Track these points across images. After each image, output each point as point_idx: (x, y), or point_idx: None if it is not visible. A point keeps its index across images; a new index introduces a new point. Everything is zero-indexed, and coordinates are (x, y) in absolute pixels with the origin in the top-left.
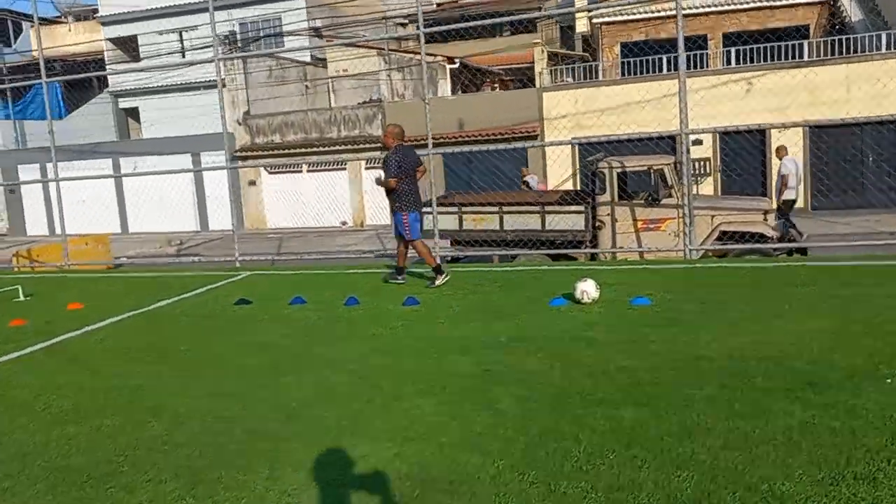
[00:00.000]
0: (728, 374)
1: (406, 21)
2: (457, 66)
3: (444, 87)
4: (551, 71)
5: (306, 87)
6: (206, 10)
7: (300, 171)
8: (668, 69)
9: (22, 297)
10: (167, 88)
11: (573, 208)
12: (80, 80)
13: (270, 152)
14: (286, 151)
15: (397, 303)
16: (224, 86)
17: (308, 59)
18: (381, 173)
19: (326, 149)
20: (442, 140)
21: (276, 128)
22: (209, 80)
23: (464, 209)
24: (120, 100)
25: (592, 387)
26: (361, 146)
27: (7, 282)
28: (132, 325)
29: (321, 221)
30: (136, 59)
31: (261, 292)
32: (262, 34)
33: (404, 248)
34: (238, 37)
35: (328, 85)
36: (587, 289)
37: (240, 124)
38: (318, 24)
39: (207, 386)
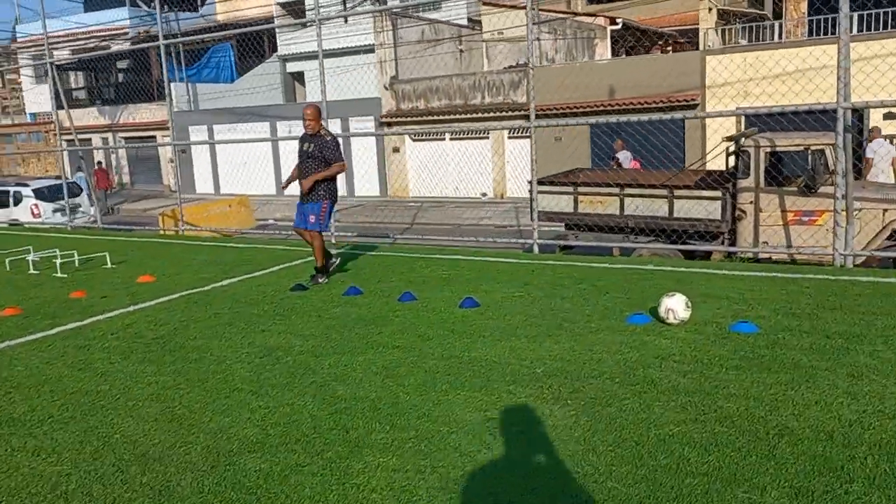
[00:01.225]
0: (813, 469)
1: None
2: (619, 27)
3: (604, 50)
4: (721, 31)
5: (461, 50)
6: None
7: (443, 139)
8: (862, 28)
9: (109, 265)
10: (328, 53)
11: (708, 193)
12: (252, 45)
13: (415, 119)
14: (430, 118)
15: (453, 303)
16: (371, 51)
17: (464, 21)
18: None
19: (470, 116)
20: (587, 109)
21: (421, 93)
22: (362, 45)
23: (579, 189)
24: (287, 64)
25: (607, 469)
26: (505, 113)
27: (113, 246)
28: (173, 307)
29: (462, 191)
30: (305, 25)
31: (330, 276)
32: None
33: (319, 241)
34: None
35: (483, 48)
36: (674, 307)
37: (386, 89)
38: None
39: (170, 402)
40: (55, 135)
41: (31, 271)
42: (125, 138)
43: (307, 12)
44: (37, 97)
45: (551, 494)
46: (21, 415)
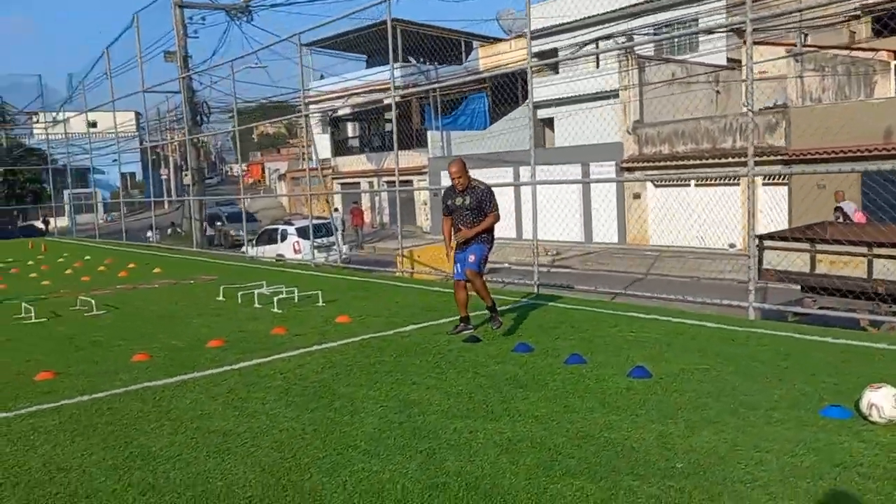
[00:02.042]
0: None
1: (859, 12)
2: None
3: (886, 88)
4: None
5: (717, 91)
6: (618, 18)
7: (688, 185)
8: None
9: (321, 303)
10: (574, 99)
11: None
12: (506, 93)
13: (656, 164)
14: (673, 163)
15: (623, 371)
16: (617, 95)
17: (722, 59)
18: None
19: (718, 160)
20: (858, 154)
21: (665, 137)
22: (609, 90)
23: (818, 246)
24: (539, 111)
25: None
26: (759, 158)
27: (338, 284)
28: (349, 350)
29: (707, 241)
30: (556, 70)
31: (510, 327)
32: (676, 34)
33: (481, 281)
34: (630, 38)
35: (742, 87)
36: (879, 402)
37: (629, 133)
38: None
39: (288, 451)
40: (331, 178)
41: (256, 305)
42: (387, 182)
43: (559, 53)
44: (323, 145)
45: None
46: (159, 449)
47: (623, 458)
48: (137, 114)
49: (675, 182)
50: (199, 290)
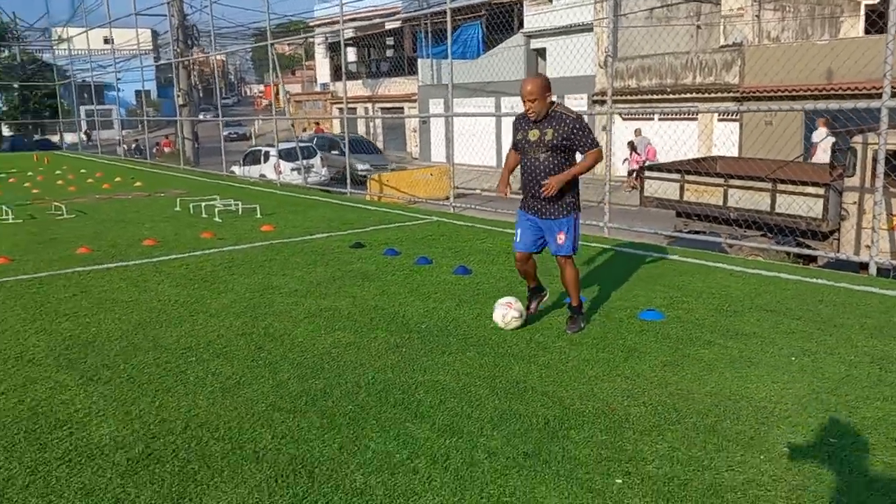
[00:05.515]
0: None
1: None
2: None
3: (853, 29)
4: None
5: (697, 26)
6: None
7: (652, 119)
8: None
9: (259, 215)
10: (563, 30)
11: (810, 189)
12: (501, 22)
13: (624, 97)
14: (640, 97)
15: (451, 269)
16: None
17: None
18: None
19: (679, 96)
20: (802, 93)
21: (633, 72)
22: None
23: (687, 177)
24: (532, 40)
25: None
26: (714, 95)
27: (289, 201)
28: (253, 251)
29: None
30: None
31: (405, 238)
32: None
33: (574, 272)
34: None
35: (721, 24)
36: (497, 315)
37: (601, 67)
38: None
39: (149, 314)
40: (331, 103)
41: (203, 215)
42: (381, 108)
43: None
44: (326, 70)
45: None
46: (64, 309)
47: (390, 321)
48: (154, 32)
49: (640, 116)
50: (163, 202)
